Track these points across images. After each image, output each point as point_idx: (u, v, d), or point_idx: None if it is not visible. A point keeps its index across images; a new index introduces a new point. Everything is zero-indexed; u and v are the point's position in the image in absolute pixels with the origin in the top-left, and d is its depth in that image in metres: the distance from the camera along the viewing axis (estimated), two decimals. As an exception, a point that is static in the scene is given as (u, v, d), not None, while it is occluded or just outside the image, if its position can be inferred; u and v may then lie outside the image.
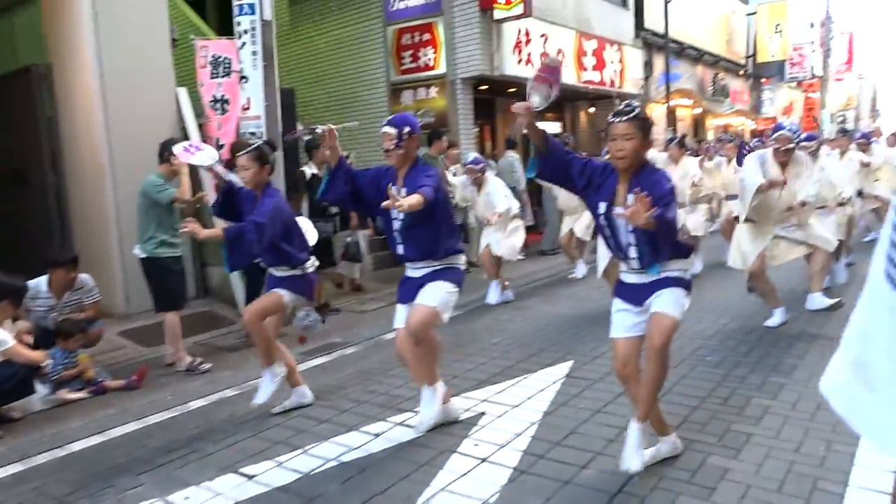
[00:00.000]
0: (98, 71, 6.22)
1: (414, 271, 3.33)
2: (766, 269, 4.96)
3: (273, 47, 6.47)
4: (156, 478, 3.06)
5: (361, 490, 2.84)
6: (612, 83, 12.90)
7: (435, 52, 9.95)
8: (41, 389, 4.12)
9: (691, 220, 7.03)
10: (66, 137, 6.59)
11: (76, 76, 6.39)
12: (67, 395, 4.23)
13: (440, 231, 3.25)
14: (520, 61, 10.28)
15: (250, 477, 3.01)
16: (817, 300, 4.96)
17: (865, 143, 8.19)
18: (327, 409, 3.85)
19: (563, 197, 7.18)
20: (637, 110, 2.65)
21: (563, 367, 4.34)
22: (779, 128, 4.92)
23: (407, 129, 3.22)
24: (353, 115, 10.96)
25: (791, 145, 4.69)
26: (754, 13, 20.56)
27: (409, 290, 3.30)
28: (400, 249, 3.31)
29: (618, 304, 2.89)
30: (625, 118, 2.63)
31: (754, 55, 20.75)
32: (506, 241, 6.54)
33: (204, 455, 3.29)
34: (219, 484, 2.96)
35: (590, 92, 12.87)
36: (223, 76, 7.03)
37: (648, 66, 14.89)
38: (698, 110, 18.77)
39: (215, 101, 6.98)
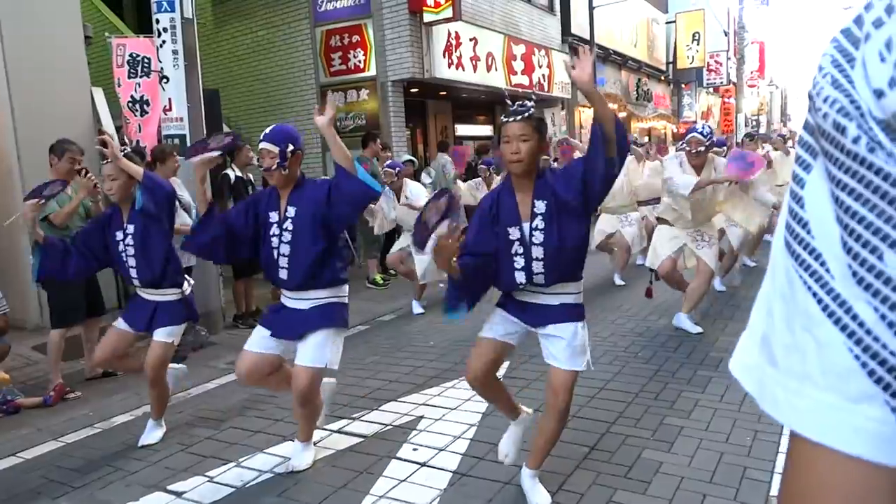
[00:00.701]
0: (2, 68, 5.83)
1: (293, 301, 2.97)
2: (676, 270, 5.02)
3: (195, 46, 6.23)
4: (75, 500, 2.87)
5: (298, 502, 2.74)
6: (541, 87, 13.13)
7: (365, 55, 9.86)
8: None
9: (628, 233, 6.72)
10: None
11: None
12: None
13: (330, 254, 2.91)
14: (451, 64, 10.32)
15: (179, 494, 2.86)
16: (683, 320, 4.98)
17: (782, 141, 8.51)
18: (260, 419, 3.72)
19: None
20: (532, 110, 2.43)
21: (500, 369, 4.34)
22: (691, 130, 4.95)
23: (290, 147, 2.85)
24: (282, 116, 10.75)
25: (702, 147, 4.78)
26: (673, 22, 21.41)
27: (284, 323, 2.96)
28: (282, 275, 2.94)
29: (500, 313, 2.64)
30: (518, 118, 2.41)
31: (674, 62, 21.61)
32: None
33: (128, 474, 3.11)
34: (146, 503, 2.80)
35: (519, 95, 13.05)
36: (142, 76, 6.74)
37: (575, 70, 15.23)
38: (623, 114, 19.37)
39: (134, 101, 6.69)
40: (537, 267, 2.44)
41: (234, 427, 3.62)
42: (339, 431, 3.47)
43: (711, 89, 25.19)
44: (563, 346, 2.45)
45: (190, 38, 6.05)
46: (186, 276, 3.51)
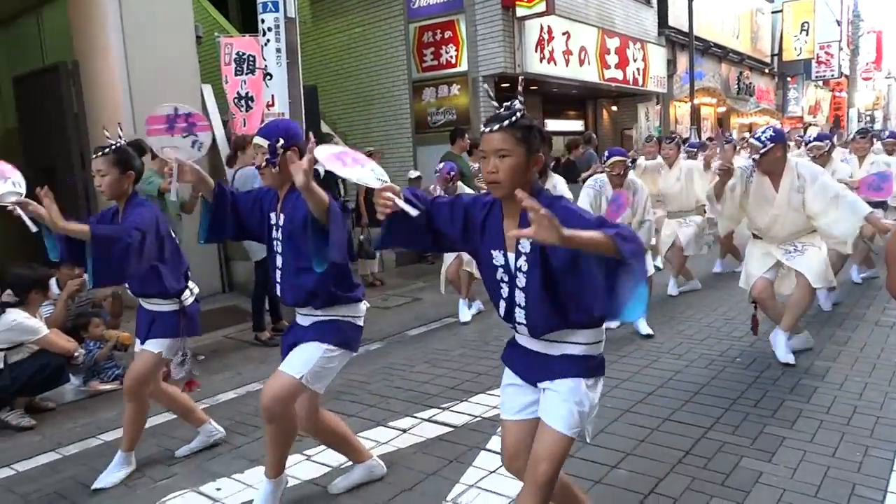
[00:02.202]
0: (124, 68, 6.29)
1: (299, 317, 2.63)
2: (772, 295, 4.26)
3: (297, 44, 6.48)
4: (187, 468, 3.08)
5: (390, 485, 2.83)
6: (635, 81, 12.81)
7: (457, 50, 9.94)
8: (73, 380, 4.17)
9: (683, 234, 6.24)
10: (94, 133, 6.66)
11: (103, 73, 6.45)
12: (99, 386, 4.29)
13: (327, 273, 2.40)
14: (542, 59, 10.24)
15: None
16: (780, 343, 4.24)
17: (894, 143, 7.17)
18: (353, 404, 3.85)
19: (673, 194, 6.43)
20: (517, 114, 1.83)
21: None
22: (754, 135, 4.19)
23: (281, 142, 2.45)
24: (375, 111, 11.01)
25: (756, 155, 4.07)
26: (780, 11, 20.29)
27: (288, 342, 2.62)
28: (278, 289, 2.60)
29: (507, 376, 2.11)
30: (496, 127, 1.82)
31: (780, 53, 20.50)
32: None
33: (234, 447, 3.31)
34: (249, 476, 2.97)
35: (612, 90, 12.78)
36: (247, 73, 7.09)
37: (672, 64, 14.76)
38: (722, 109, 18.57)
39: (240, 97, 7.04)
40: (519, 314, 1.94)
41: (329, 410, 3.76)
42: (429, 420, 3.54)
43: (821, 82, 23.69)
44: (556, 400, 1.91)
45: (292, 37, 6.29)
46: (189, 285, 3.11)
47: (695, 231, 6.27)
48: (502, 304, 1.98)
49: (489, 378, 4.17)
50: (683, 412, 3.50)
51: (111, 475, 3.00)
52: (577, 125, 13.87)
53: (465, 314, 5.86)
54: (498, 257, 1.96)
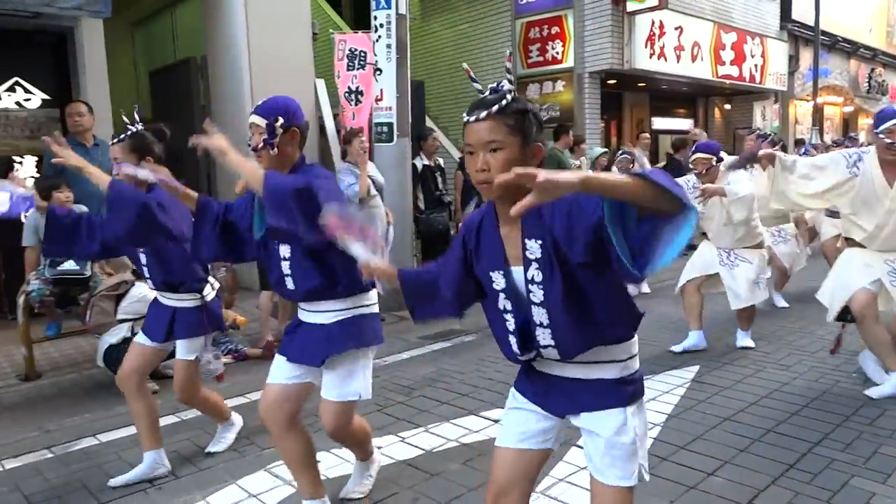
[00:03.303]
0: (247, 63, 6.70)
1: (310, 315, 2.37)
2: (875, 314, 3.60)
3: (406, 40, 6.66)
4: (290, 441, 3.28)
5: (481, 472, 2.89)
6: (752, 78, 12.18)
7: (563, 46, 9.85)
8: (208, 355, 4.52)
9: (781, 254, 5.61)
10: (218, 124, 7.13)
11: (228, 68, 6.91)
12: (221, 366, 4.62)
13: (340, 261, 2.16)
14: (652, 55, 9.95)
15: (377, 448, 3.15)
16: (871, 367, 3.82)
17: None
18: (447, 392, 3.95)
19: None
20: (507, 97, 1.53)
21: (689, 372, 4.18)
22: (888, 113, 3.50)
23: (280, 121, 2.23)
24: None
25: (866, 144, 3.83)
26: (921, 2, 18.59)
27: (300, 345, 2.35)
28: (289, 284, 2.33)
29: (515, 399, 1.79)
30: (483, 114, 1.52)
31: (919, 49, 18.77)
32: None
33: (332, 424, 3.48)
34: (346, 452, 3.12)
35: (726, 87, 12.22)
36: (358, 68, 7.35)
37: (794, 60, 13.90)
38: (849, 109, 17.28)
39: (350, 92, 7.32)
40: (543, 336, 1.60)
41: (423, 396, 3.88)
42: (520, 413, 3.58)
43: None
44: (601, 448, 1.62)
45: (402, 33, 6.47)
46: (211, 279, 3.00)
47: (792, 247, 5.70)
48: (512, 339, 1.65)
49: (583, 376, 4.15)
50: (789, 424, 3.34)
51: (220, 442, 3.21)
52: (685, 124, 13.36)
53: None
54: (498, 280, 1.62)
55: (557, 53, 9.92)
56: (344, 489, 2.72)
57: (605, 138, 11.31)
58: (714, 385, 3.92)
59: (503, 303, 1.64)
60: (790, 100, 14.12)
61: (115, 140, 2.73)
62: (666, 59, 10.22)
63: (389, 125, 6.37)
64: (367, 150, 5.66)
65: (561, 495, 2.68)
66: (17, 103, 6.00)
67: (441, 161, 7.12)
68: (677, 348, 4.59)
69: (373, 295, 2.41)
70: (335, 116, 7.75)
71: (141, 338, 2.92)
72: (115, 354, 3.75)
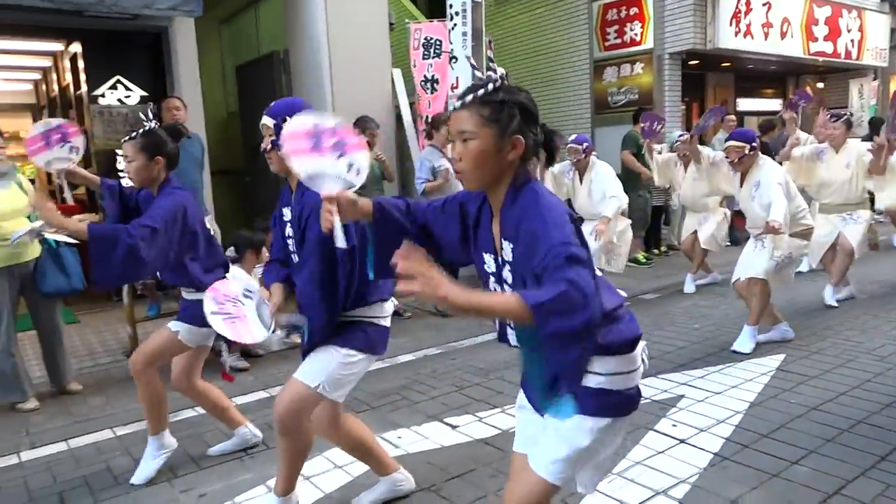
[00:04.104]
0: (327, 55, 6.90)
1: None
2: None
3: (482, 28, 6.69)
4: (372, 417, 3.42)
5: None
6: (848, 54, 11.46)
7: (642, 27, 9.58)
8: (279, 332, 4.75)
9: (852, 234, 5.17)
10: (300, 115, 7.39)
11: (309, 61, 7.13)
12: (298, 339, 4.85)
13: (353, 269, 2.14)
14: (737, 33, 9.53)
15: (453, 427, 3.25)
16: None
17: None
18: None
19: (687, 188, 6.10)
20: (488, 87, 1.48)
21: (774, 360, 4.06)
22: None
23: (287, 121, 2.06)
24: (554, 92, 10.98)
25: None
26: None
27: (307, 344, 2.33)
28: (297, 294, 2.34)
29: (521, 396, 1.76)
30: (459, 103, 1.50)
31: None
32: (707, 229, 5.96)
33: (412, 403, 3.60)
34: (426, 429, 3.24)
35: (819, 65, 11.56)
36: (434, 57, 7.43)
37: (896, 33, 12.96)
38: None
39: (426, 80, 7.41)
40: (511, 336, 1.63)
41: (500, 378, 3.94)
42: (596, 397, 3.59)
43: None
44: (553, 442, 1.56)
45: (478, 20, 6.52)
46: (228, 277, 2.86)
47: (864, 229, 5.25)
48: (498, 321, 1.66)
49: (661, 362, 4.10)
50: (882, 416, 3.20)
51: (146, 466, 2.91)
52: (774, 104, 12.73)
53: (690, 286, 6.11)
54: (489, 263, 1.61)
55: (636, 35, 9.66)
56: (356, 498, 2.60)
57: (687, 121, 10.95)
58: (800, 374, 3.79)
59: (493, 286, 1.62)
60: (892, 76, 13.20)
61: (127, 138, 2.72)
62: (752, 37, 9.77)
63: (465, 112, 6.43)
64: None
65: (637, 477, 2.68)
66: (119, 100, 6.43)
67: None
68: (762, 338, 4.41)
69: (381, 308, 2.32)
70: (411, 105, 7.88)
71: (171, 325, 2.85)
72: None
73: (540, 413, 1.63)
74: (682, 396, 3.53)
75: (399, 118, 7.43)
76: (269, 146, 2.23)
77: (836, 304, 5.32)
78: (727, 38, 9.38)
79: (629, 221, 5.81)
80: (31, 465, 3.12)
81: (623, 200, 5.41)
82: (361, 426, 2.52)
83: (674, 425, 3.17)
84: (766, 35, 9.96)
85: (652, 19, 9.41)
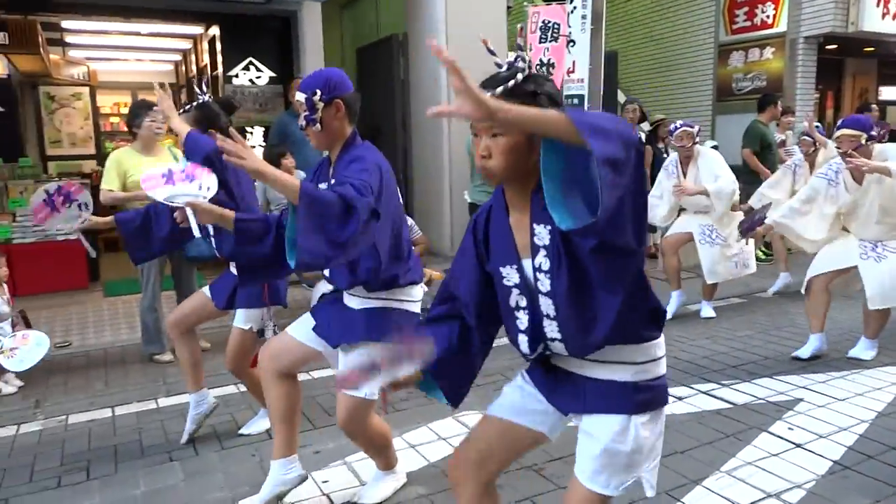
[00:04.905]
0: (445, 38, 7.00)
1: (346, 296, 2.29)
2: None
3: (602, 10, 6.54)
4: (475, 395, 3.48)
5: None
6: None
7: (776, 9, 8.99)
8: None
9: None
10: (415, 99, 7.57)
11: (426, 44, 7.26)
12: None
13: (370, 252, 2.06)
14: (885, 14, 8.75)
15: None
16: None
17: None
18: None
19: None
20: (517, 77, 1.38)
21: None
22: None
23: (318, 94, 2.08)
24: (674, 77, 10.56)
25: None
26: None
27: (328, 319, 2.28)
28: (326, 272, 2.28)
29: (520, 380, 1.67)
30: (498, 92, 1.36)
31: None
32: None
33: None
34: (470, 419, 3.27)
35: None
36: (551, 40, 7.34)
37: None
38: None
39: (542, 64, 7.33)
40: (550, 329, 1.48)
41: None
42: (706, 393, 3.48)
43: None
44: (594, 451, 1.47)
45: (598, 3, 6.36)
46: None
47: None
48: (523, 338, 1.51)
49: (778, 363, 3.92)
50: None
51: (253, 424, 3.16)
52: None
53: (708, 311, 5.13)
54: (510, 275, 1.50)
55: (768, 17, 9.08)
56: (357, 492, 2.57)
57: (820, 110, 10.20)
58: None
59: (516, 299, 1.51)
60: None
61: (182, 111, 2.75)
62: (901, 19, 8.93)
63: (581, 97, 6.34)
64: None
65: (748, 478, 2.60)
66: (251, 80, 6.85)
67: (641, 134, 6.94)
68: (803, 354, 3.97)
69: (413, 291, 2.26)
70: (525, 89, 7.84)
71: (206, 290, 2.94)
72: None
73: (562, 412, 1.57)
74: (801, 400, 3.35)
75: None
76: (304, 123, 2.13)
77: None
78: (873, 20, 8.63)
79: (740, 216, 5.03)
80: (168, 410, 3.45)
81: (736, 187, 4.85)
82: (382, 424, 2.48)
83: (790, 429, 3.03)
84: (920, 17, 9.07)
85: (787, 1, 8.82)
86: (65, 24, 7.65)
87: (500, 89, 1.36)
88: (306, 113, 2.11)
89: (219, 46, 6.93)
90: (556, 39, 7.24)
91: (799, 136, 6.49)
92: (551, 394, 1.57)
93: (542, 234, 1.42)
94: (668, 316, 4.88)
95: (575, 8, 6.49)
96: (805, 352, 3.97)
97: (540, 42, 7.41)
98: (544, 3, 7.79)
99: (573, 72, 6.49)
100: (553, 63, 7.29)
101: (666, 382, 1.54)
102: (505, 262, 1.50)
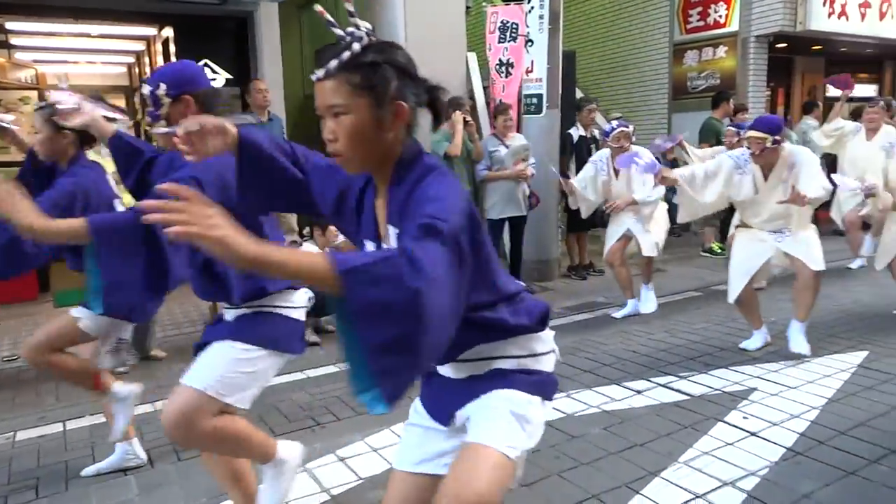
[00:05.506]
0: (404, 39, 6.97)
1: (226, 311, 2.10)
2: None
3: (560, 11, 6.60)
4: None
5: (622, 438, 2.93)
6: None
7: (728, 8, 9.21)
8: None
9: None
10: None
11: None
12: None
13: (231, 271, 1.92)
14: (832, 13, 9.03)
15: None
16: None
17: None
18: (589, 361, 3.99)
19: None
20: (354, 47, 1.23)
21: (856, 357, 3.89)
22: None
23: (162, 88, 1.95)
24: (630, 76, 10.72)
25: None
26: None
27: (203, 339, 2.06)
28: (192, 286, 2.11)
29: (414, 413, 1.55)
30: (322, 72, 1.25)
31: None
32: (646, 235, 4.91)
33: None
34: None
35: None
36: (510, 40, 7.39)
37: None
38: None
39: (501, 64, 7.38)
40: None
41: (566, 364, 3.94)
42: (664, 386, 3.55)
43: None
44: (487, 412, 1.36)
45: (555, 3, 6.44)
46: None
47: None
48: None
49: (733, 354, 4.02)
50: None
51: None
52: (869, 90, 11.99)
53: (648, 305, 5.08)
54: (371, 249, 1.40)
55: (720, 17, 9.29)
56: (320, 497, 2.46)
57: (771, 107, 10.48)
58: (885, 373, 3.63)
59: None
60: None
61: (38, 107, 2.57)
62: (848, 18, 9.22)
63: (539, 96, 6.40)
64: (510, 126, 5.85)
65: (705, 467, 2.65)
66: (206, 83, 6.74)
67: (597, 133, 7.02)
68: (750, 346, 4.10)
69: (293, 297, 2.07)
70: (485, 89, 7.88)
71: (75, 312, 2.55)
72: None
73: (445, 422, 1.44)
74: (755, 389, 3.44)
75: (473, 102, 7.45)
76: (149, 119, 1.96)
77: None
78: (820, 20, 8.90)
79: (666, 206, 5.07)
80: (125, 421, 3.36)
81: (662, 189, 4.77)
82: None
83: (745, 417, 3.10)
84: (863, 16, 9.38)
85: (738, 1, 9.04)
86: (9, 25, 7.41)
87: (333, 63, 1.23)
88: (150, 108, 1.98)
89: (173, 48, 6.79)
90: (514, 39, 7.29)
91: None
92: (437, 404, 1.48)
93: (392, 238, 1.30)
94: (618, 316, 4.99)
95: (532, 8, 6.55)
96: (751, 344, 4.11)
97: (499, 42, 7.45)
98: (503, 3, 7.84)
99: (531, 71, 6.55)
100: (512, 63, 7.34)
101: (554, 381, 1.48)
102: (369, 237, 1.40)
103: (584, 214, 5.28)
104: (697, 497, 2.44)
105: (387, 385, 1.09)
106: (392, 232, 1.29)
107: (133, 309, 2.23)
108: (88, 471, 2.80)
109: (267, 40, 6.67)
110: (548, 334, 1.50)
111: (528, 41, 6.55)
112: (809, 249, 3.84)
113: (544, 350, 1.48)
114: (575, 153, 6.60)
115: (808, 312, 3.95)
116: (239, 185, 1.51)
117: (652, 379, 3.64)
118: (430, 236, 1.09)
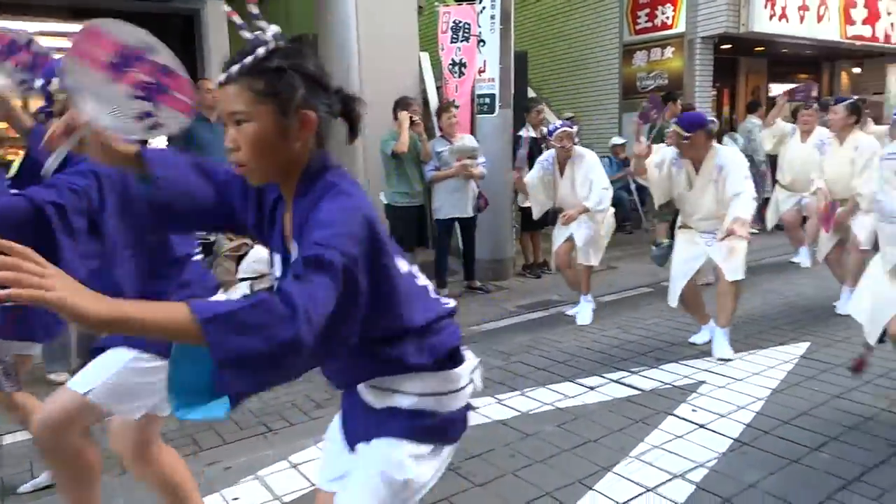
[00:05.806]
0: (356, 39, 6.92)
1: None
2: None
3: (511, 11, 6.65)
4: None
5: (575, 435, 2.96)
6: (888, 38, 11.13)
7: (674, 10, 9.44)
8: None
9: (859, 227, 4.49)
10: (327, 98, 7.43)
11: (338, 44, 7.14)
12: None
13: (136, 265, 1.82)
14: (772, 16, 9.33)
15: (473, 409, 3.28)
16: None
17: None
18: (543, 358, 4.03)
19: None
20: (262, 49, 1.16)
21: (798, 348, 4.03)
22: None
23: (54, 83, 1.82)
24: (582, 76, 10.86)
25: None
26: None
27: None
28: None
29: (330, 428, 1.50)
30: (224, 77, 1.18)
31: None
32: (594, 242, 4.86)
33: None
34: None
35: (856, 49, 11.25)
36: (462, 40, 7.40)
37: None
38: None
39: (454, 64, 7.39)
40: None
41: (520, 362, 3.98)
42: (617, 381, 3.60)
43: None
44: (358, 474, 1.33)
45: (506, 3, 6.47)
46: None
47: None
48: None
49: (682, 348, 4.10)
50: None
51: None
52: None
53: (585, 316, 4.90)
54: (276, 264, 1.32)
55: (668, 18, 9.51)
56: None
57: (717, 107, 10.77)
58: (825, 362, 3.76)
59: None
60: (934, 61, 12.80)
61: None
62: (788, 21, 9.55)
63: (492, 96, 6.42)
64: (454, 124, 5.82)
65: (655, 461, 2.70)
66: (151, 82, 6.55)
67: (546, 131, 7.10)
68: (699, 340, 4.18)
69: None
70: (438, 89, 7.88)
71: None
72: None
73: (350, 446, 1.40)
74: (703, 382, 3.53)
75: (426, 102, 7.44)
76: (42, 114, 1.82)
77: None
78: (762, 22, 9.19)
79: (613, 210, 5.01)
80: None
81: (611, 193, 4.82)
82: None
83: (693, 410, 3.17)
84: (802, 18, 9.73)
85: (685, 2, 9.27)
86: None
87: (235, 69, 1.16)
88: (42, 104, 1.87)
89: (115, 46, 6.59)
90: (467, 39, 7.30)
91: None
92: (343, 425, 1.44)
93: (294, 252, 1.23)
94: (571, 313, 5.01)
95: (484, 8, 6.57)
96: (700, 338, 4.20)
97: (451, 42, 7.45)
98: (455, 3, 7.85)
99: (484, 71, 6.57)
100: (465, 63, 7.35)
101: (455, 421, 1.38)
102: (275, 250, 1.33)
103: (536, 215, 5.30)
104: (648, 490, 2.48)
105: (223, 393, 1.03)
106: (295, 251, 1.22)
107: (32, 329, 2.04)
108: (26, 487, 2.68)
109: (214, 40, 6.54)
110: (461, 370, 1.38)
111: (481, 41, 6.57)
112: (730, 257, 3.84)
113: (452, 388, 1.36)
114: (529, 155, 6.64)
115: (729, 318, 3.94)
116: (149, 210, 1.36)
117: (605, 375, 3.69)
118: (317, 270, 1.03)
